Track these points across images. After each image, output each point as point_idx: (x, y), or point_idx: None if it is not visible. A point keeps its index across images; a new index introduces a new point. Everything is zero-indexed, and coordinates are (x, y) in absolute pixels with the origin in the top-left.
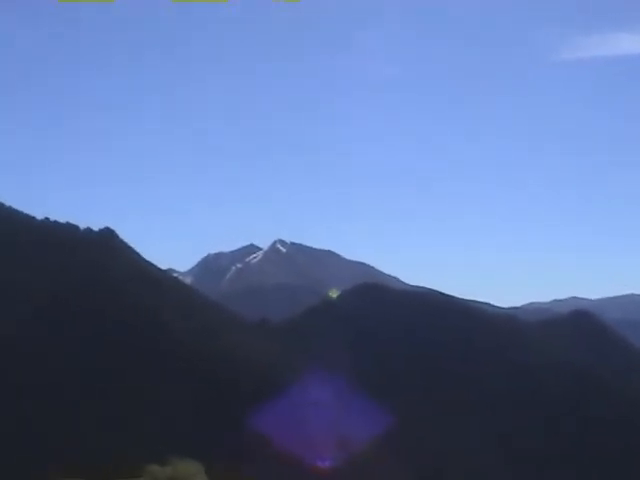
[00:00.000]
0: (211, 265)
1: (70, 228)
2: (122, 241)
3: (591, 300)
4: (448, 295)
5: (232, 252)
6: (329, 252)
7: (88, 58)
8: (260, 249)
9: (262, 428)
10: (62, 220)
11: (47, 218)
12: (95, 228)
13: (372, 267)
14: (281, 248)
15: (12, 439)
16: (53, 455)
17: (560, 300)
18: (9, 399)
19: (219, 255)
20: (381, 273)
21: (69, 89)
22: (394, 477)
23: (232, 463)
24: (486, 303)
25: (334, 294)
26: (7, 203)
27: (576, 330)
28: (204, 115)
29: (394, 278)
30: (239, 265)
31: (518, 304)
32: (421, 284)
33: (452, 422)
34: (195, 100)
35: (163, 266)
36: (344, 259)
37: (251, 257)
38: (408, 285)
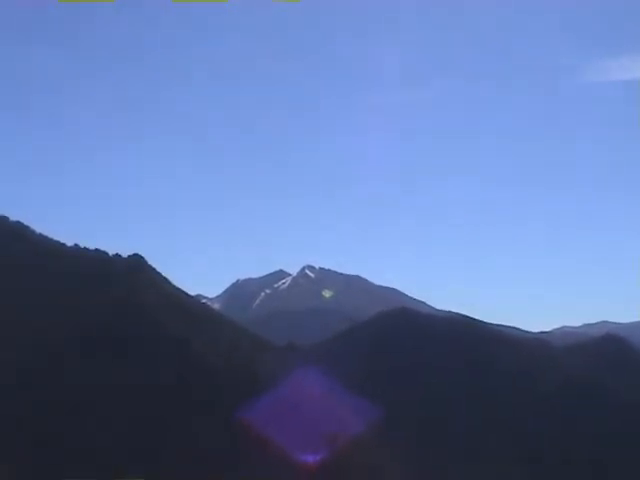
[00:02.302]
0: (240, 291)
1: (99, 255)
2: (151, 267)
3: (622, 324)
4: (477, 320)
5: (261, 278)
6: (357, 277)
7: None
8: (289, 275)
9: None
10: (91, 247)
11: (77, 245)
12: (124, 254)
13: (400, 292)
14: (310, 274)
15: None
16: None
17: (591, 324)
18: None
19: (248, 281)
20: (409, 298)
21: (91, 120)
22: None
23: None
24: (515, 328)
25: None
26: (37, 230)
27: (607, 354)
28: (233, 143)
29: (422, 303)
30: (268, 291)
31: (548, 328)
32: (449, 309)
33: (479, 447)
34: (223, 130)
35: (192, 292)
36: (372, 284)
37: (280, 283)
38: (436, 310)
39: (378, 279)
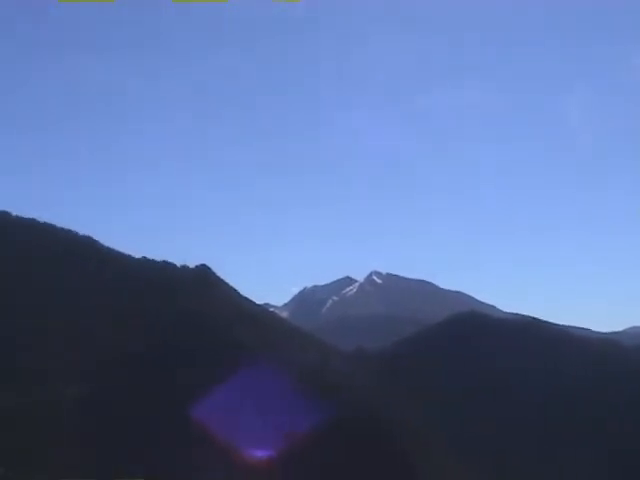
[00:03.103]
0: (307, 298)
1: (167, 266)
2: (218, 277)
3: None
4: (545, 321)
5: (328, 285)
6: (424, 282)
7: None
8: (356, 281)
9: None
10: (159, 258)
11: (144, 257)
12: (191, 265)
13: (467, 295)
14: (377, 279)
15: None
16: None
17: None
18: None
19: (315, 288)
20: (476, 301)
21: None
22: None
23: None
24: (585, 328)
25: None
26: (106, 244)
27: None
28: (299, 154)
29: (490, 306)
30: (335, 298)
31: (619, 328)
32: (517, 311)
33: (554, 450)
34: (293, 142)
35: (260, 301)
36: (439, 288)
37: (347, 289)
38: (505, 313)
39: (445, 283)
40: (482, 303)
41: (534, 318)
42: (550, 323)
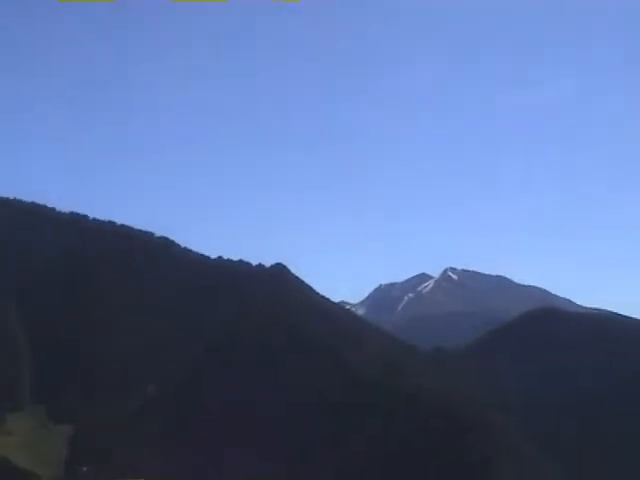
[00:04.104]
0: (383, 296)
1: (243, 265)
2: (294, 276)
3: None
4: (625, 316)
5: (403, 282)
6: (501, 277)
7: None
8: (431, 277)
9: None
10: (235, 258)
11: (220, 257)
12: (267, 264)
13: (545, 290)
14: (452, 276)
15: None
16: None
17: None
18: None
19: (391, 285)
20: (555, 296)
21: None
22: None
23: None
24: None
25: None
26: (182, 244)
27: None
28: (372, 154)
29: (568, 301)
30: (411, 295)
31: None
32: (596, 305)
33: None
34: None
35: (335, 299)
36: (516, 284)
37: (423, 286)
38: (583, 307)
39: (522, 278)
40: (558, 297)
41: (613, 312)
42: (628, 317)
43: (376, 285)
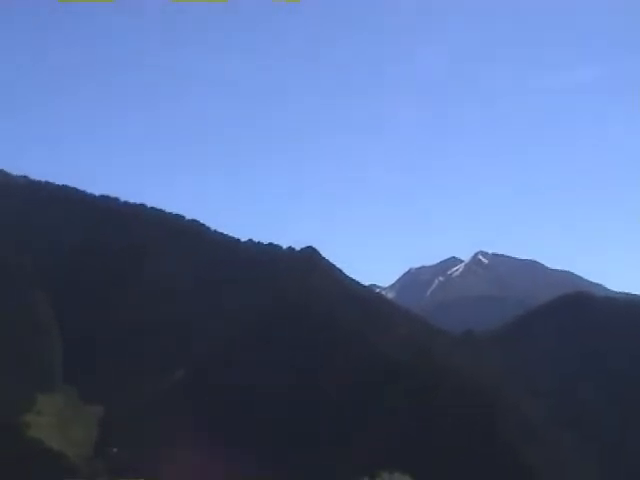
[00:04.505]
0: (413, 279)
1: (273, 248)
2: (324, 259)
3: None
4: None
5: (434, 265)
6: (532, 262)
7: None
8: (462, 261)
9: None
10: (265, 241)
11: (250, 240)
12: (297, 247)
13: (576, 275)
14: (483, 259)
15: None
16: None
17: None
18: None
19: (421, 269)
20: (586, 281)
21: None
22: None
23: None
24: None
25: None
26: (212, 227)
27: None
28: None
29: (599, 285)
30: (441, 278)
31: None
32: (627, 290)
33: None
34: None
35: (365, 282)
36: (548, 268)
37: (453, 270)
38: (614, 292)
39: (553, 263)
40: (590, 282)
41: None
42: None
43: (406, 269)
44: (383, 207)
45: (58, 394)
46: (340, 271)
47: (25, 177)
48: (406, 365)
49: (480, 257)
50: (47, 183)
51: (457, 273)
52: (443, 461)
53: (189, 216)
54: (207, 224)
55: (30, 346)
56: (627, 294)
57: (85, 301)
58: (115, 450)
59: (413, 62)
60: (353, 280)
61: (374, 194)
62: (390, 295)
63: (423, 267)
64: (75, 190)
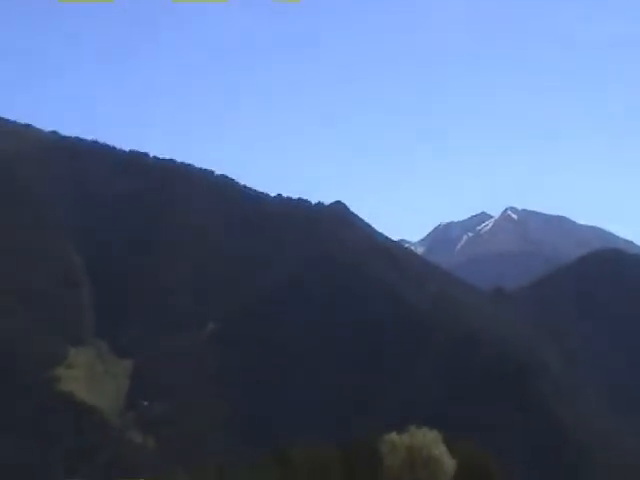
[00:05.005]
0: (442, 235)
1: (302, 203)
2: (354, 214)
3: None
4: None
5: (463, 221)
6: (562, 217)
7: None
8: (491, 217)
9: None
10: (294, 196)
11: (280, 195)
12: (327, 202)
13: (607, 231)
14: (512, 215)
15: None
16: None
17: None
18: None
19: (450, 225)
20: (616, 237)
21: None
22: None
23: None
24: None
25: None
26: (241, 182)
27: None
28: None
29: (630, 242)
30: (470, 234)
31: None
32: None
33: None
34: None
35: (395, 237)
36: (577, 224)
37: (482, 225)
38: None
39: (583, 219)
40: (620, 239)
41: None
42: None
43: (436, 224)
44: (413, 162)
45: (89, 348)
46: (369, 226)
47: (55, 132)
48: (436, 321)
49: (510, 213)
50: (77, 138)
51: (487, 229)
52: (473, 418)
53: (218, 171)
54: (236, 179)
55: (61, 300)
56: None
57: (116, 255)
58: (146, 403)
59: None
60: (382, 235)
61: (405, 148)
62: (419, 250)
63: (453, 222)
64: (105, 145)
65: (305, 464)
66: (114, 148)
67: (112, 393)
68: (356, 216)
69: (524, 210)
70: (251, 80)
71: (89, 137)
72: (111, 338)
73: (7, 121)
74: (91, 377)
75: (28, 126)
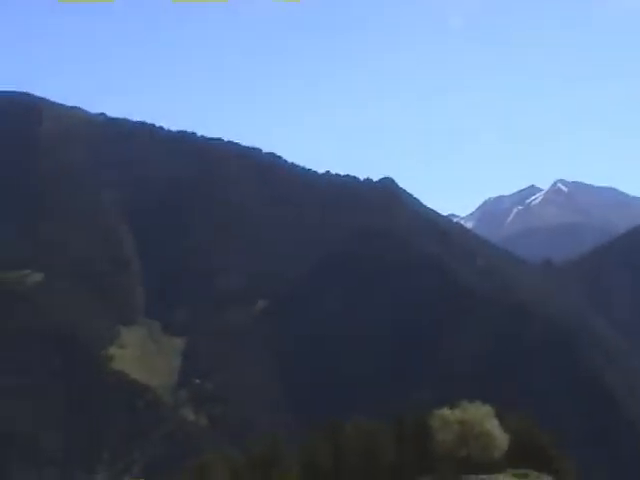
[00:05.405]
0: (492, 208)
1: (350, 180)
2: (402, 189)
3: None
4: None
5: (512, 195)
6: (612, 189)
7: None
8: (541, 190)
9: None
10: (342, 172)
11: (328, 171)
12: (375, 178)
13: None
14: (562, 188)
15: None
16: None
17: None
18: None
19: (499, 198)
20: None
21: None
22: None
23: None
24: None
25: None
26: (289, 159)
27: None
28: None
29: None
30: (520, 207)
31: None
32: None
33: None
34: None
35: (444, 212)
36: (628, 196)
37: (532, 198)
38: None
39: (633, 190)
40: None
41: None
42: None
43: (485, 198)
44: (461, 137)
45: (141, 327)
46: (418, 201)
47: (102, 114)
48: (485, 295)
49: (559, 185)
50: (125, 120)
51: (536, 202)
52: (523, 389)
53: (266, 149)
54: (284, 156)
55: (113, 281)
56: None
57: (167, 235)
58: (198, 381)
59: None
60: (431, 210)
61: (453, 122)
62: (469, 224)
63: (502, 196)
64: (152, 126)
65: (356, 440)
66: (162, 128)
67: (164, 372)
68: (404, 192)
69: (574, 182)
70: (298, 58)
71: (136, 118)
72: (162, 317)
73: (55, 104)
74: (143, 356)
75: (76, 108)
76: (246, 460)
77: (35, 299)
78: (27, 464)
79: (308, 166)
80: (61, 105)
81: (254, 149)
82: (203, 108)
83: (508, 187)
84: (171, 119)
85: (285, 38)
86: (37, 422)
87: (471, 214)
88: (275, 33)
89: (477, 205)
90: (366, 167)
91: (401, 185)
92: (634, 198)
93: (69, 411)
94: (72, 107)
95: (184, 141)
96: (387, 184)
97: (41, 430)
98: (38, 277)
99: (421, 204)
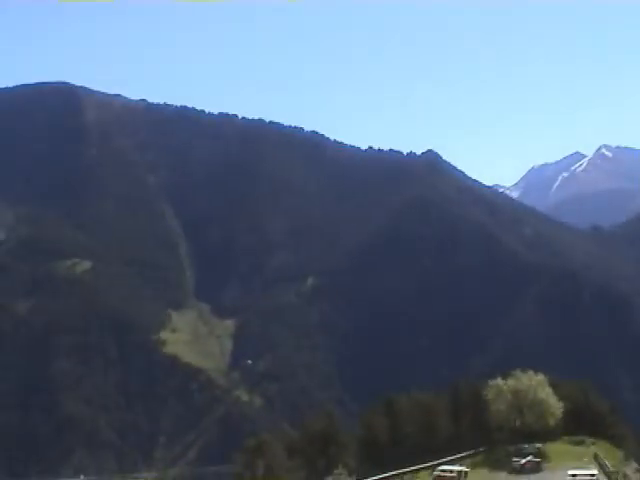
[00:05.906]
0: (537, 177)
1: (394, 155)
2: (446, 162)
3: None
4: None
5: (557, 162)
6: None
7: None
8: (585, 156)
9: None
10: (385, 147)
11: (371, 147)
12: (418, 152)
13: None
14: (607, 153)
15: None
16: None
17: None
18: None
19: (544, 166)
20: None
21: None
22: None
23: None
24: None
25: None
26: (332, 137)
27: None
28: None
29: None
30: (565, 174)
31: None
32: None
33: None
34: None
35: (489, 183)
36: None
37: (577, 165)
38: None
39: None
40: None
41: None
42: None
43: (529, 166)
44: (503, 106)
45: (191, 310)
46: (463, 173)
47: (144, 100)
48: (533, 263)
49: (604, 151)
50: (165, 104)
51: (581, 168)
52: (576, 356)
53: (307, 128)
54: (326, 134)
55: (161, 265)
56: None
57: (213, 217)
58: (250, 362)
59: None
60: (476, 181)
61: (494, 92)
62: (514, 194)
63: (546, 164)
64: (193, 110)
65: (412, 413)
66: (203, 112)
67: (216, 354)
68: (449, 164)
69: (618, 147)
70: (338, 37)
71: (177, 103)
72: (212, 299)
73: (96, 92)
74: (195, 339)
75: (118, 96)
76: (302, 437)
77: (86, 287)
78: (85, 448)
79: (351, 143)
80: (102, 93)
81: (296, 128)
82: (243, 91)
83: (552, 154)
84: (212, 103)
85: (326, 14)
86: (94, 407)
87: (516, 184)
88: (314, 9)
89: (522, 174)
90: (409, 141)
91: (445, 157)
92: None
93: (125, 396)
94: (113, 95)
95: (226, 124)
96: (431, 157)
97: (98, 415)
98: (87, 265)
99: (466, 176)
